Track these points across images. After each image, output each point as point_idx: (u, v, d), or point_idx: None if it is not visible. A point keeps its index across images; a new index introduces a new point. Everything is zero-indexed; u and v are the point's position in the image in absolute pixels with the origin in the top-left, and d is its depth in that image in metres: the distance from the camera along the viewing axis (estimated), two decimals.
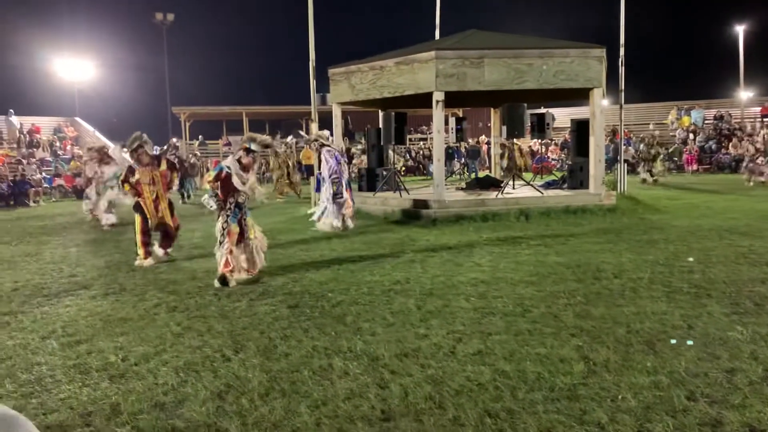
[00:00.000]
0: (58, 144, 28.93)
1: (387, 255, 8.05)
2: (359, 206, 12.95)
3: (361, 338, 4.58)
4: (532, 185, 13.37)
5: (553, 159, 28.22)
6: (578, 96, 15.14)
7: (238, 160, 6.84)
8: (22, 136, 27.90)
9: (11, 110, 28.10)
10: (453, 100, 13.99)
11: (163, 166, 8.37)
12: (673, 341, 4.27)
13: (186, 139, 33.36)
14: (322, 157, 10.87)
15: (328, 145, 11.00)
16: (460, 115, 24.81)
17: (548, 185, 14.53)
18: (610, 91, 16.57)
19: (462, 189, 14.63)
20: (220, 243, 6.73)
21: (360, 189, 14.70)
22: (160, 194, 8.24)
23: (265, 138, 7.22)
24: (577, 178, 13.38)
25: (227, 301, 5.89)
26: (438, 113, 11.61)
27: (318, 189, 11.34)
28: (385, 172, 14.30)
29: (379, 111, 15.72)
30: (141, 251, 8.07)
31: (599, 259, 7.23)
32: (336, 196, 10.55)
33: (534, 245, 8.38)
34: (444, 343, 4.40)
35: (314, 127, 14.33)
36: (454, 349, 4.27)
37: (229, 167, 6.76)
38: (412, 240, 9.27)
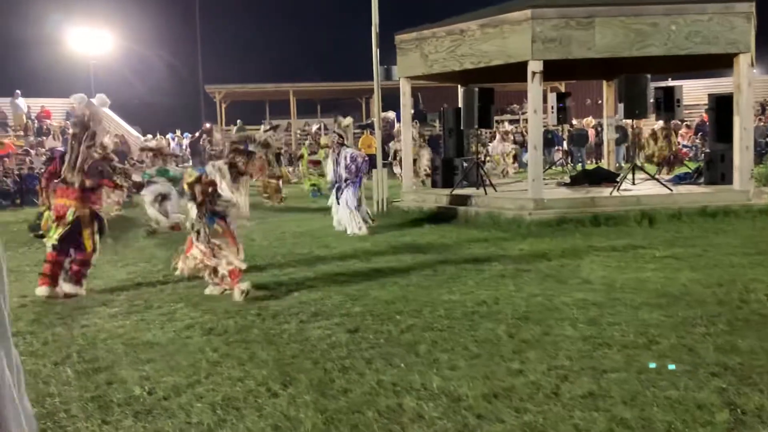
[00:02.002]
0: (70, 131, 30.29)
1: (469, 268, 8.03)
2: (433, 206, 13.00)
3: (438, 373, 4.58)
4: (657, 180, 13.05)
5: (684, 146, 27.42)
6: (718, 64, 14.68)
7: (232, 164, 7.06)
8: (29, 121, 29.32)
9: (18, 91, 29.60)
10: (554, 71, 13.81)
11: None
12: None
13: (222, 124, 34.27)
14: (342, 157, 11.33)
15: (347, 145, 11.63)
16: (563, 91, 24.45)
17: (679, 179, 14.18)
18: (761, 58, 15.97)
19: (565, 184, 14.45)
20: (214, 255, 7.06)
21: (434, 185, 14.75)
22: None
23: (263, 136, 7.33)
24: (716, 170, 12.98)
25: (273, 322, 6.02)
26: (535, 88, 11.49)
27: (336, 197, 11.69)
28: (465, 164, 14.27)
29: (459, 86, 15.68)
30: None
31: (748, 276, 6.98)
32: (359, 202, 11.35)
33: (661, 257, 8.19)
34: (545, 381, 4.35)
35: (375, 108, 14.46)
36: (558, 389, 4.22)
37: (212, 173, 6.99)
38: (501, 249, 9.22)
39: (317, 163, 20.47)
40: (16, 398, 0.83)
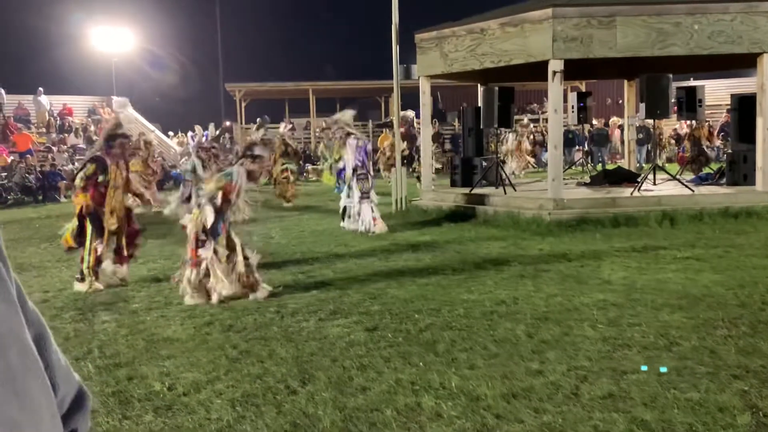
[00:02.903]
0: (92, 128, 30.52)
1: (488, 268, 8.02)
2: (451, 205, 12.99)
3: (457, 372, 4.58)
4: (679, 180, 12.96)
5: (706, 146, 27.21)
6: (741, 64, 14.55)
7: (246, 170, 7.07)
8: (52, 119, 29.60)
9: (40, 89, 29.87)
10: (574, 70, 13.77)
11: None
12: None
13: (241, 122, 34.42)
14: (347, 148, 11.25)
15: (354, 133, 11.46)
16: (583, 90, 24.32)
17: (700, 180, 14.07)
18: None
19: (585, 184, 14.37)
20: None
21: (453, 184, 14.72)
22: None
23: (265, 138, 7.45)
24: (738, 171, 12.86)
25: (292, 320, 6.05)
26: (555, 87, 11.44)
27: (340, 189, 11.78)
28: (484, 163, 14.24)
29: (479, 85, 15.64)
30: (90, 272, 7.77)
31: None
32: (364, 194, 11.14)
33: (682, 258, 8.13)
34: (564, 381, 4.34)
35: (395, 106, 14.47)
36: (578, 390, 4.21)
37: (239, 179, 6.97)
38: (519, 249, 9.19)
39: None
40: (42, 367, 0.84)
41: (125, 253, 8.07)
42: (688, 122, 17.98)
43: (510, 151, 20.06)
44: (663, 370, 4.46)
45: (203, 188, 7.22)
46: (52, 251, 10.63)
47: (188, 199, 11.97)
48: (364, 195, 11.15)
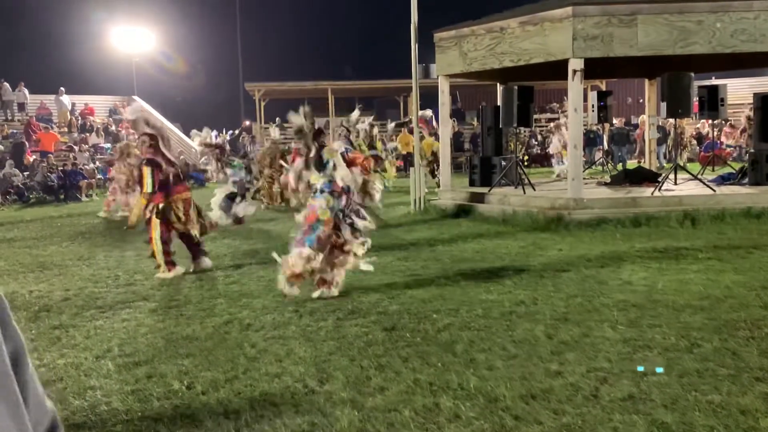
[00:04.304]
0: (113, 127, 30.76)
1: (507, 268, 7.99)
2: (470, 204, 12.94)
3: (476, 373, 4.56)
4: (700, 180, 12.84)
5: (728, 146, 26.92)
6: (764, 62, 14.42)
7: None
8: (73, 118, 29.89)
9: (62, 88, 30.17)
10: (595, 69, 13.68)
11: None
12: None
13: (261, 121, 34.56)
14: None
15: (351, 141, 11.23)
16: (604, 89, 24.16)
17: (722, 180, 13.91)
18: None
19: (605, 184, 14.28)
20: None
21: (472, 183, 14.69)
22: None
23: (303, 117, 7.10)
24: (761, 170, 12.71)
25: (310, 319, 6.05)
26: (575, 86, 11.37)
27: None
28: (504, 163, 14.20)
29: (498, 85, 15.59)
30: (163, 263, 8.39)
31: None
32: None
33: (704, 259, 8.05)
34: (583, 383, 4.31)
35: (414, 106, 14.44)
36: (597, 391, 4.17)
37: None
38: (539, 249, 9.15)
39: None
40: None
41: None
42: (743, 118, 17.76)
43: (558, 152, 20.05)
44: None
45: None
46: (73, 250, 10.73)
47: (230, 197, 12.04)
48: None
